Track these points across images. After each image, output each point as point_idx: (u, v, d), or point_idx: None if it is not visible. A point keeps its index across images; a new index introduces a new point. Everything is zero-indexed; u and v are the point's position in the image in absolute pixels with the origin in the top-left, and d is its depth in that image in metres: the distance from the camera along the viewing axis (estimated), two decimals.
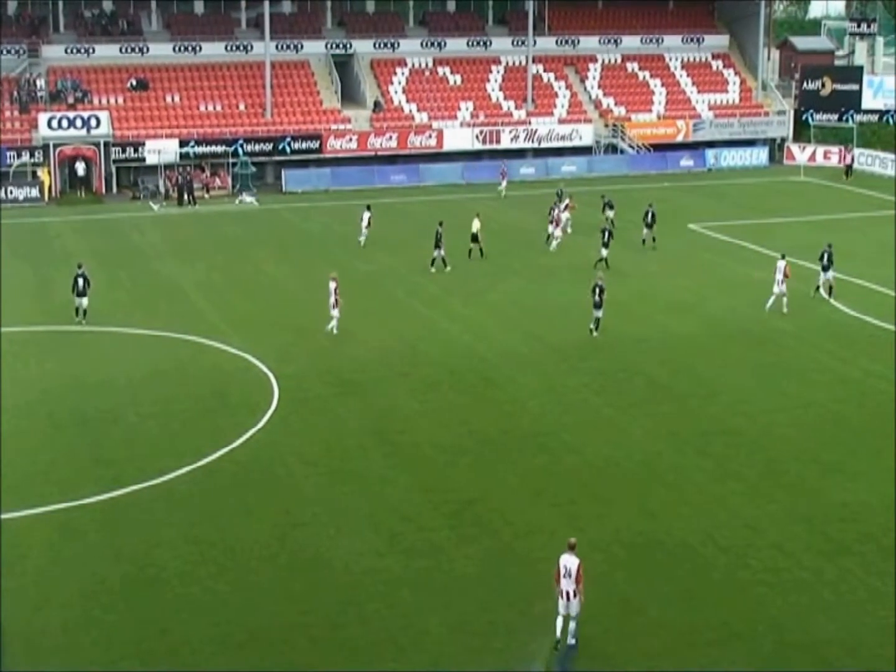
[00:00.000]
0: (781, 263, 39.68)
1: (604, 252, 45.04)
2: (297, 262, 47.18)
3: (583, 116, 71.88)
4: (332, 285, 36.54)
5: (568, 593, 19.81)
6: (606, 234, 45.45)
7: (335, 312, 36.68)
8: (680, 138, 72.05)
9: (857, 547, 23.42)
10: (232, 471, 26.76)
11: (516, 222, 54.00)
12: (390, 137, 66.99)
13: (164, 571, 22.33)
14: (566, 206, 51.41)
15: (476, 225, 47.07)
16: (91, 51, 67.45)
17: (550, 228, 49.01)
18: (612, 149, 70.49)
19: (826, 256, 41.40)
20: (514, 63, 73.77)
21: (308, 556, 23.06)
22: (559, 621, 19.96)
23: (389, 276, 44.21)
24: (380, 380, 33.09)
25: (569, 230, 50.21)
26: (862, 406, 31.33)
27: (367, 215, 49.56)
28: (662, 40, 77.39)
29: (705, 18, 79.45)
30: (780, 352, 36.06)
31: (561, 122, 71.02)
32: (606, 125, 71.34)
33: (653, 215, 49.03)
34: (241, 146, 64.33)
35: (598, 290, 36.56)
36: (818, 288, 41.59)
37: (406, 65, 71.98)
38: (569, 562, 19.84)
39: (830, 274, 41.35)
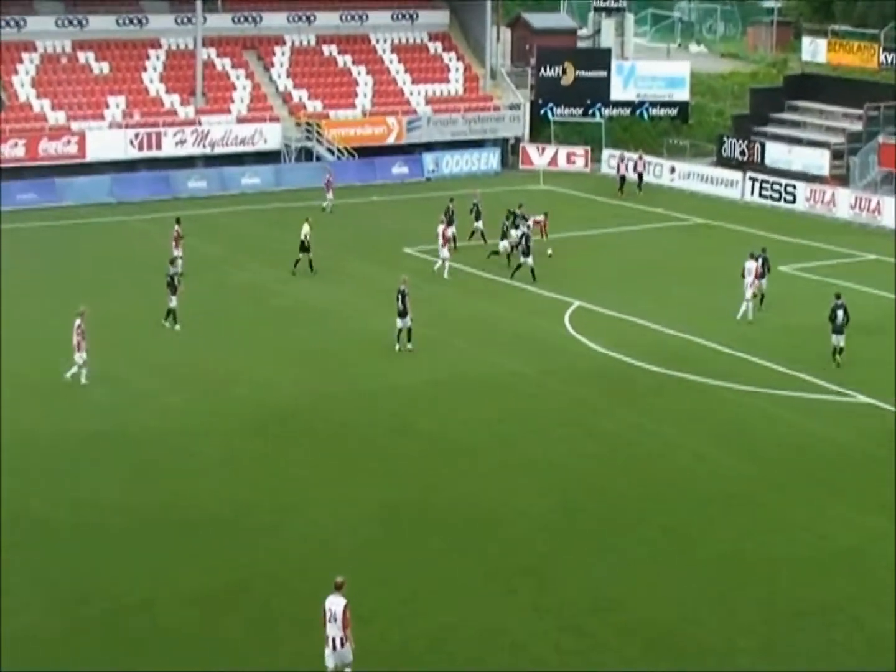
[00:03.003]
0: (751, 264, 44.60)
1: (528, 261, 49.43)
2: None
3: (268, 114, 72.34)
4: (77, 322, 37.34)
5: (334, 640, 21.28)
6: (524, 240, 49.80)
7: (80, 356, 37.37)
8: (391, 140, 73.44)
9: (614, 642, 24.41)
10: None
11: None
12: (16, 144, 65.60)
13: None
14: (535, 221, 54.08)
15: (305, 230, 50.23)
16: None
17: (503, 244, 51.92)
18: (306, 154, 71.17)
19: (761, 261, 45.78)
20: (178, 46, 73.57)
21: None
22: None
23: (18, 327, 43.18)
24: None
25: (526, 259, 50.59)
26: (616, 465, 32.80)
27: (176, 228, 50.02)
28: (367, 17, 78.86)
29: None
30: (520, 402, 37.34)
31: (240, 121, 71.24)
32: (298, 124, 72.01)
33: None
34: None
35: (400, 297, 40.69)
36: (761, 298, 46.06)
37: (35, 49, 70.70)
38: (334, 604, 21.40)
39: (764, 281, 45.97)
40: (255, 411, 36.20)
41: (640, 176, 68.92)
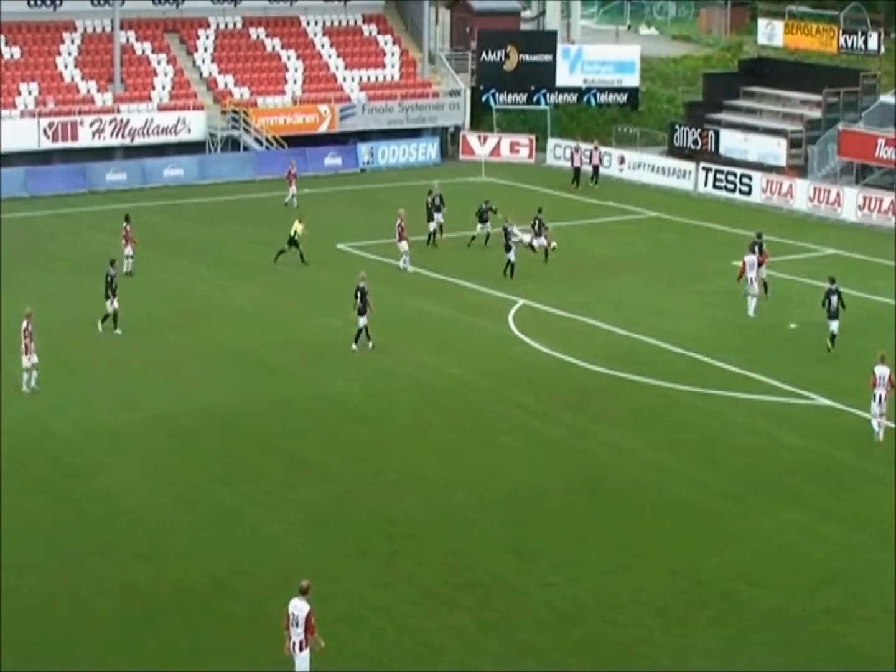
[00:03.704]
0: (751, 258, 45.52)
1: (510, 256, 50.36)
2: None
3: (191, 101, 72.08)
4: (24, 324, 37.44)
5: (296, 644, 22.43)
6: (504, 236, 50.63)
7: (28, 360, 37.34)
8: (323, 128, 73.31)
9: (563, 661, 24.46)
10: None
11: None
12: None
13: None
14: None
15: (297, 227, 51.25)
16: None
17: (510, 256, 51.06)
18: (233, 144, 70.99)
19: (758, 248, 47.00)
20: (94, 29, 73.17)
21: None
22: None
23: None
24: None
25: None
26: (564, 474, 32.85)
27: (125, 226, 49.92)
28: None
29: None
30: (460, 409, 37.39)
31: (162, 109, 70.93)
32: (224, 112, 71.76)
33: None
34: None
35: (359, 295, 41.18)
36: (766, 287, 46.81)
37: None
38: (297, 608, 22.50)
39: (764, 270, 46.90)
40: (176, 420, 36.09)
41: (596, 168, 69.01)
